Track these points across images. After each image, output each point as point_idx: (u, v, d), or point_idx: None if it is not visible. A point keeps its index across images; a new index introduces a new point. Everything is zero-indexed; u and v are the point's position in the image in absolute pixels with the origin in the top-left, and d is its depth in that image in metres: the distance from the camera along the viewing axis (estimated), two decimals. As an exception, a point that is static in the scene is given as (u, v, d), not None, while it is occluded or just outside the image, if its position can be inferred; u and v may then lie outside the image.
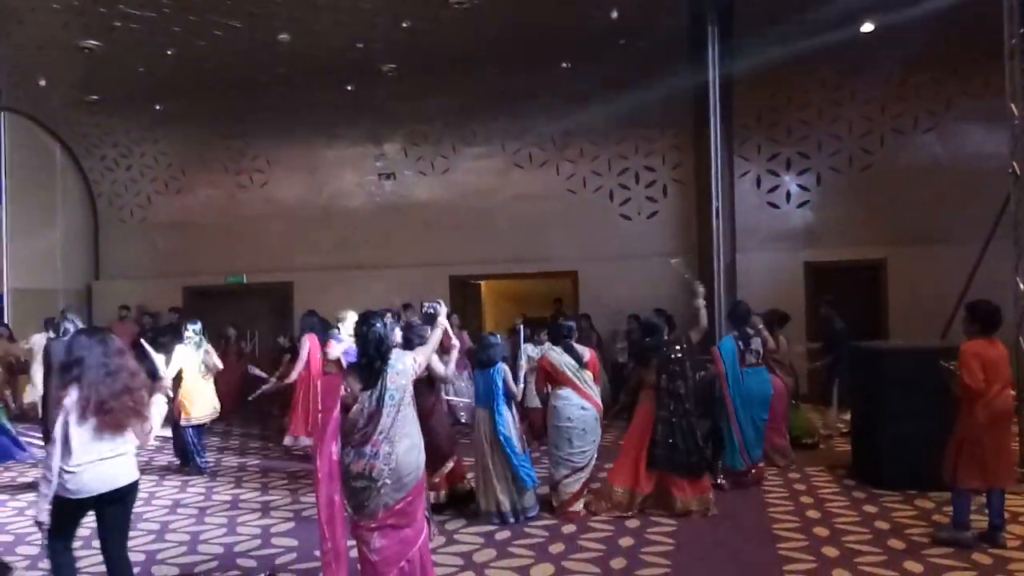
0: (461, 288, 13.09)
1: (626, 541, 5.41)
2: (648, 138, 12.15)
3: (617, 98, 11.57)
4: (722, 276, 10.33)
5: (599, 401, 6.16)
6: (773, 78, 11.05)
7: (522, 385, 6.13)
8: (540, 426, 8.54)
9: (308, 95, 11.92)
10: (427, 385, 5.66)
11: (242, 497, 6.92)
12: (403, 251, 12.90)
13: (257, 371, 8.76)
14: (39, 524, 3.75)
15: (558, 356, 6.11)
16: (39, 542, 4.32)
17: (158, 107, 12.45)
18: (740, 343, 6.88)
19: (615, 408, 8.78)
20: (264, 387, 8.61)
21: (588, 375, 6.11)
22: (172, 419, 7.78)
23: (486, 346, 6.02)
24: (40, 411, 8.20)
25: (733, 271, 10.42)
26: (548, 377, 6.16)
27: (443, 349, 4.99)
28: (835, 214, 11.51)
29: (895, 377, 6.56)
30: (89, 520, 4.04)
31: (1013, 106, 7.17)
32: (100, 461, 3.75)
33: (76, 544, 5.34)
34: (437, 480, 5.99)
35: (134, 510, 6.42)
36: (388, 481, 3.74)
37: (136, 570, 5.02)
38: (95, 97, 12.20)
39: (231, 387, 10.08)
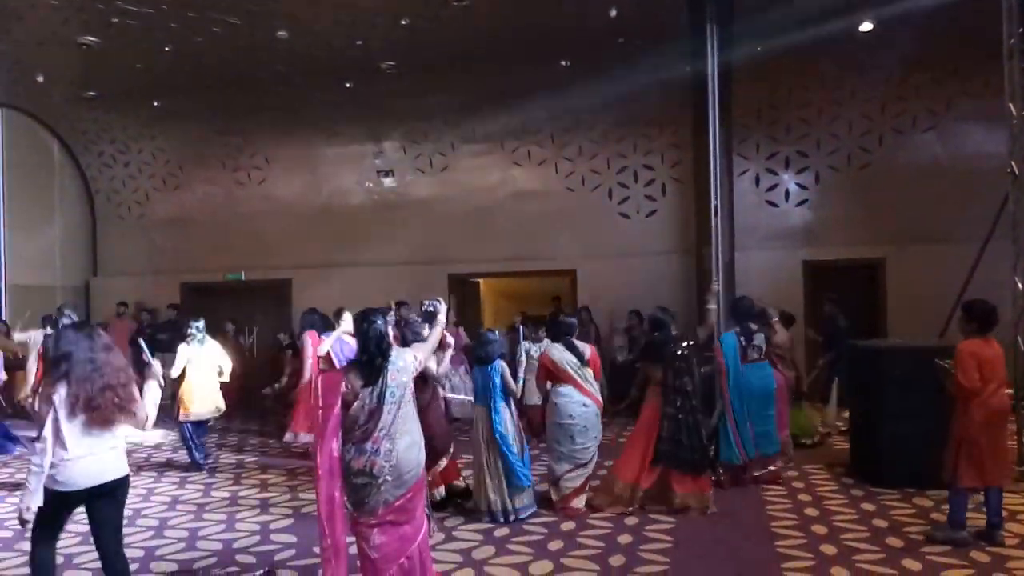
0: (460, 286, 13.08)
1: (625, 538, 5.42)
2: (647, 136, 12.15)
3: (616, 96, 11.56)
4: (720, 275, 10.33)
5: (600, 398, 6.16)
6: (772, 77, 11.06)
7: (521, 383, 6.13)
8: (538, 423, 8.55)
9: (307, 92, 11.91)
10: (422, 381, 5.66)
11: (241, 494, 6.92)
12: (402, 249, 12.88)
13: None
14: (23, 523, 3.74)
15: (559, 353, 6.11)
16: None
17: (156, 104, 12.42)
18: (742, 339, 6.89)
19: (621, 405, 8.77)
20: (276, 385, 8.66)
21: (589, 372, 6.11)
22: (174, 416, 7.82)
23: (484, 343, 6.01)
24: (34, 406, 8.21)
25: (732, 269, 10.41)
26: (549, 374, 6.16)
27: (439, 347, 4.99)
28: (834, 213, 11.52)
29: (894, 376, 6.58)
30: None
31: (1012, 106, 7.18)
32: (90, 455, 3.75)
33: (75, 541, 5.38)
34: (431, 478, 5.99)
35: (134, 506, 6.49)
36: (389, 478, 3.74)
37: (135, 566, 5.04)
38: (93, 93, 12.18)
39: (229, 384, 10.08)
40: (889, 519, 5.73)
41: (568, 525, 5.74)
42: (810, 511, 5.99)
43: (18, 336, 9.46)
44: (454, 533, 5.58)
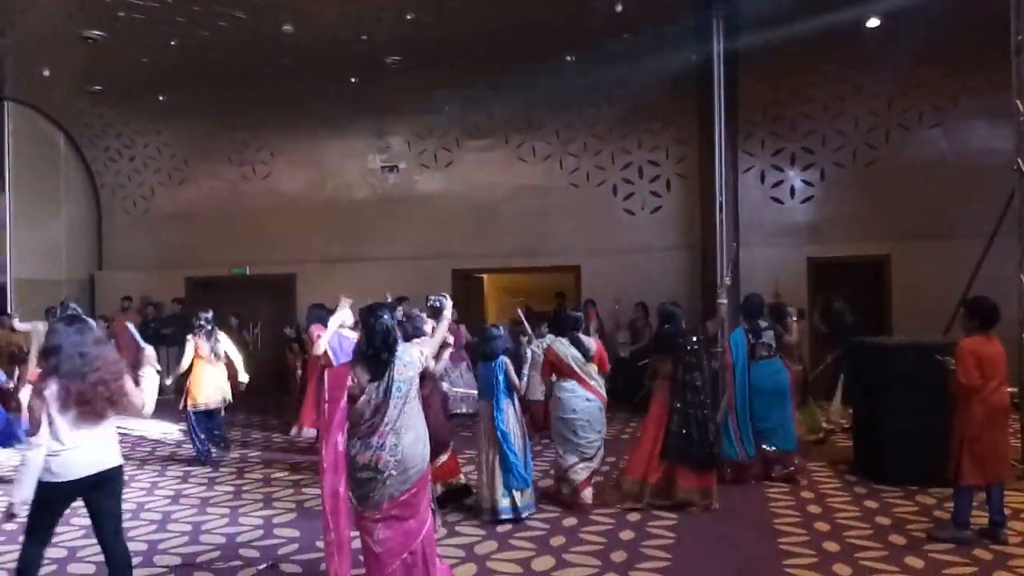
0: (464, 281, 13.08)
1: (627, 534, 5.42)
2: (652, 132, 12.13)
3: (621, 92, 11.55)
4: (728, 269, 10.32)
5: (603, 393, 6.15)
6: (778, 73, 11.03)
7: (525, 379, 6.10)
8: (541, 420, 8.55)
9: (312, 87, 11.90)
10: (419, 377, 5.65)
11: (244, 488, 6.94)
12: (406, 244, 12.90)
13: None
14: (11, 516, 3.73)
15: (564, 348, 6.10)
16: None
17: (161, 98, 12.45)
18: (750, 336, 6.86)
19: (638, 396, 8.75)
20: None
21: (593, 368, 6.10)
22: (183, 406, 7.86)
23: (488, 338, 5.98)
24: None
25: (737, 266, 10.39)
26: (553, 368, 6.17)
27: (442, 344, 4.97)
28: (839, 209, 11.49)
29: (898, 373, 6.56)
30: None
31: (1019, 102, 7.14)
32: (84, 445, 3.75)
33: (79, 534, 5.39)
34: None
35: (137, 499, 6.52)
36: (394, 472, 3.75)
37: (138, 559, 5.06)
38: (98, 88, 12.20)
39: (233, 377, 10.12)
40: (892, 516, 5.72)
41: (570, 520, 5.74)
42: (813, 508, 5.99)
43: (20, 325, 9.50)
44: (456, 528, 5.59)
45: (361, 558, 3.97)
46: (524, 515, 5.70)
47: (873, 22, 9.71)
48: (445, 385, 9.26)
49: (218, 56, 10.74)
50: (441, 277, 12.10)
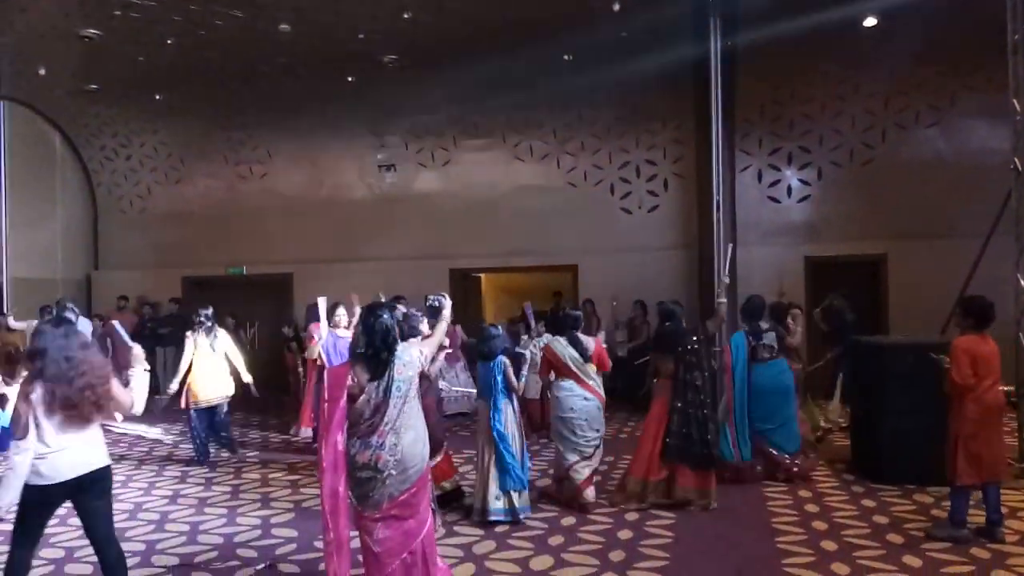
0: (461, 281, 13.08)
1: (625, 534, 5.42)
2: (649, 132, 12.12)
3: (619, 91, 11.55)
4: (727, 268, 10.32)
5: (602, 392, 6.15)
6: (775, 72, 11.03)
7: (523, 380, 6.08)
8: (538, 419, 8.55)
9: (309, 86, 11.88)
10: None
11: (242, 488, 6.93)
12: (403, 243, 12.89)
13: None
14: None
15: (562, 348, 6.10)
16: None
17: (158, 97, 12.41)
18: (750, 338, 6.84)
19: (641, 391, 8.73)
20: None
21: (591, 368, 6.10)
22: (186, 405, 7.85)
23: (487, 338, 5.95)
24: None
25: (734, 265, 10.39)
26: (550, 367, 6.17)
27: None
28: (836, 209, 11.50)
29: (895, 372, 6.55)
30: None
31: (1016, 101, 7.15)
32: (71, 447, 3.74)
33: (77, 535, 5.37)
34: None
35: (135, 499, 6.50)
36: (393, 472, 3.74)
37: (136, 560, 5.06)
38: (95, 86, 12.16)
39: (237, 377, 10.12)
40: (890, 515, 5.73)
41: (568, 520, 5.74)
42: (811, 507, 5.99)
43: (15, 324, 9.49)
44: (455, 528, 5.59)
45: (360, 558, 3.97)
46: (521, 517, 5.66)
47: (871, 21, 9.72)
48: (444, 384, 9.27)
49: (215, 55, 10.72)
50: (439, 276, 12.09)
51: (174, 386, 7.84)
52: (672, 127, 11.94)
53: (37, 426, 3.67)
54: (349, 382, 3.76)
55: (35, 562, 5.03)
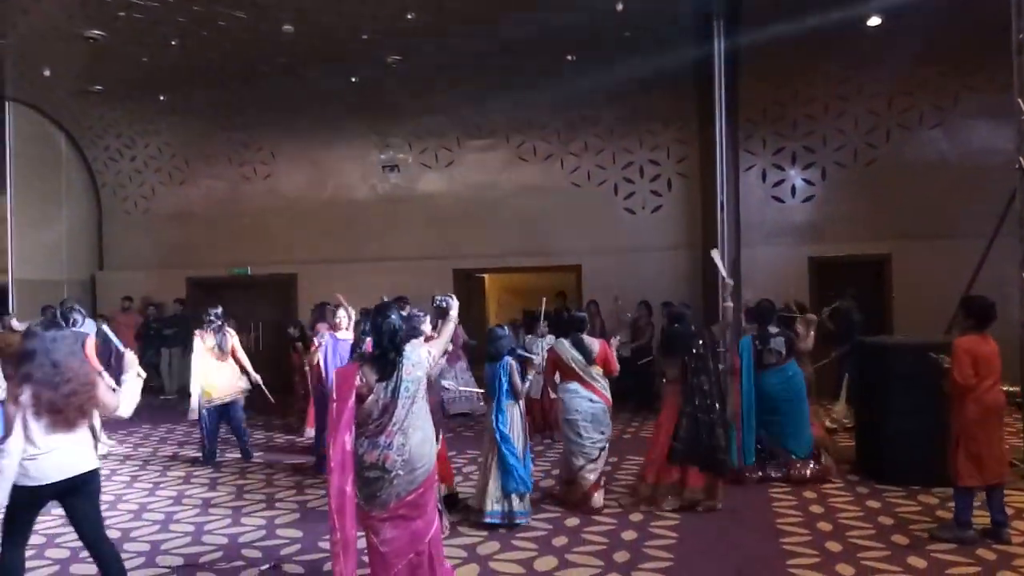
0: (465, 281, 13.08)
1: (629, 534, 5.42)
2: (653, 132, 12.12)
3: (622, 91, 11.54)
4: (729, 270, 10.32)
5: (607, 394, 6.13)
6: (779, 72, 11.02)
7: (528, 384, 6.06)
8: (539, 419, 8.54)
9: (312, 87, 11.89)
10: None
11: (246, 488, 6.94)
12: (407, 244, 12.91)
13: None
14: None
15: (566, 351, 6.10)
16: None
17: (162, 98, 12.43)
18: (757, 342, 6.79)
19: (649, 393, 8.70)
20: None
21: (596, 370, 6.08)
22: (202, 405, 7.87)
23: (494, 339, 5.92)
24: None
25: (738, 266, 10.39)
26: (555, 368, 6.17)
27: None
28: (840, 209, 11.49)
29: (899, 372, 6.54)
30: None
31: (1020, 101, 7.12)
32: (59, 449, 3.77)
33: (73, 537, 5.37)
34: None
35: (139, 500, 6.52)
36: (401, 472, 3.75)
37: (141, 560, 5.08)
38: (99, 87, 12.19)
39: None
40: (895, 516, 5.72)
41: (572, 521, 5.74)
42: (815, 508, 5.99)
43: (18, 325, 9.51)
44: (459, 528, 5.58)
45: (366, 558, 3.97)
46: (518, 521, 5.57)
47: (874, 21, 9.70)
48: (451, 384, 9.28)
49: (218, 56, 10.73)
50: (442, 277, 12.11)
51: (194, 400, 7.82)
52: (675, 127, 11.93)
53: (26, 427, 3.71)
54: (357, 382, 3.77)
55: (40, 562, 5.09)
